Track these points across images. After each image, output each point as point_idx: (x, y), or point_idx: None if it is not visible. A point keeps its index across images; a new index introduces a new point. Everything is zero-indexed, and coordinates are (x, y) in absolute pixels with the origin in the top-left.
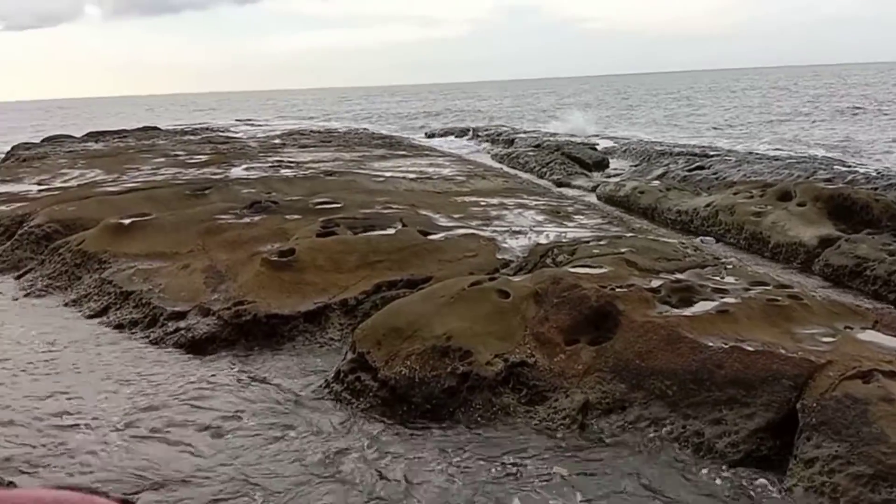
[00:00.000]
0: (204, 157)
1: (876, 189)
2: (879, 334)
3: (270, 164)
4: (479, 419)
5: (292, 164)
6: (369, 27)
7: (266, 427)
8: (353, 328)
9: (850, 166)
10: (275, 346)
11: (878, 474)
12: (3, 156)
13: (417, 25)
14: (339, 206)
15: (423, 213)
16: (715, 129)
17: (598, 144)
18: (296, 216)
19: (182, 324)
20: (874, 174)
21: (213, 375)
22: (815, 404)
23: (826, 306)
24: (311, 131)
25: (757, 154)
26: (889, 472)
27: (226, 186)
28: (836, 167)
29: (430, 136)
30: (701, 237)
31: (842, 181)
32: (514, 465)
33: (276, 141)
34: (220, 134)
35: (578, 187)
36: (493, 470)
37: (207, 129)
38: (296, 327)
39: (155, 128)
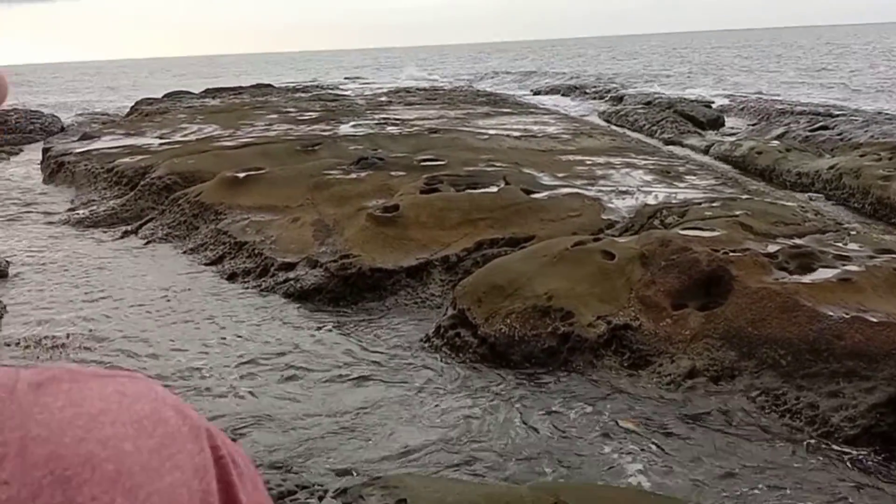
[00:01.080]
0: (314, 114)
1: None
2: None
3: (377, 122)
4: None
5: (398, 122)
6: None
7: (368, 376)
8: (454, 285)
9: None
10: (378, 299)
11: None
12: (127, 110)
13: None
14: (442, 163)
15: (527, 171)
16: (843, 87)
17: (712, 102)
18: (400, 173)
19: (291, 274)
20: None
21: (319, 326)
22: None
23: None
24: (417, 89)
25: (887, 114)
26: None
27: (334, 143)
28: None
29: (536, 93)
30: (809, 194)
31: None
32: (612, 426)
33: (383, 98)
34: (329, 91)
35: (691, 146)
36: (595, 430)
37: (317, 86)
38: (398, 282)
39: (268, 85)
